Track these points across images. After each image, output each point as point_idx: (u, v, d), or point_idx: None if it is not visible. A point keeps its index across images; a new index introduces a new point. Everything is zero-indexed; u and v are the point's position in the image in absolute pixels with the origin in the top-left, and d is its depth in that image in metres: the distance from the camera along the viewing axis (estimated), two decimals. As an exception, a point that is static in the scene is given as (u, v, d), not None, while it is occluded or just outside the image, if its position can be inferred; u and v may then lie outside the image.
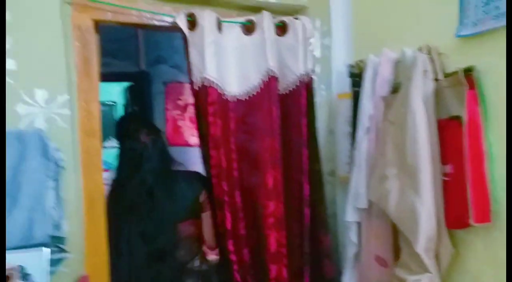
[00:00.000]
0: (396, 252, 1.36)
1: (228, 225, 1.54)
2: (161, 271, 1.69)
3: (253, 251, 1.59)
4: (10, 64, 1.25)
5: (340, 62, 1.78)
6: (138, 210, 1.70)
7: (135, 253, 1.68)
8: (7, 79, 1.24)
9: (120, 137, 1.88)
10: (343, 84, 1.73)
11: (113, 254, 1.53)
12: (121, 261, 1.63)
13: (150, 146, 1.78)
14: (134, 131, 1.81)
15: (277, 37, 1.64)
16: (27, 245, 1.13)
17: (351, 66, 1.67)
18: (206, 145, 1.54)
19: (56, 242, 1.19)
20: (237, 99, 1.61)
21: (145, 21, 1.55)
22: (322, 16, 1.81)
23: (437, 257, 1.25)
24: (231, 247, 1.55)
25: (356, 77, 1.63)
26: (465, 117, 1.17)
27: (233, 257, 1.56)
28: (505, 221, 1.12)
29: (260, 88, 1.60)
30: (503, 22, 1.11)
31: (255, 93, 1.61)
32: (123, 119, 2.13)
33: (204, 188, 1.73)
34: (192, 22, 1.52)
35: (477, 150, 1.16)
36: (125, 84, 3.27)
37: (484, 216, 1.13)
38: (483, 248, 1.20)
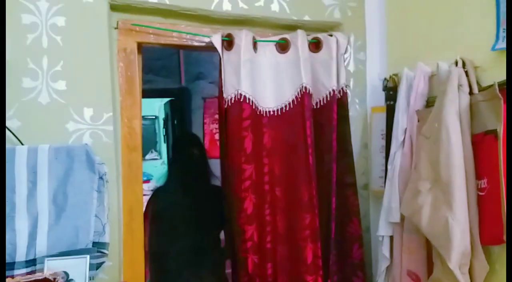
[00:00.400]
0: (429, 267, 1.34)
1: (256, 238, 1.57)
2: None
3: (279, 265, 1.60)
4: (61, 85, 1.36)
5: (375, 76, 1.79)
6: (182, 212, 2.01)
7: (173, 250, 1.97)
8: (59, 99, 1.36)
9: (174, 150, 2.31)
10: (377, 98, 1.74)
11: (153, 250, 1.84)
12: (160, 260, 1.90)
13: (196, 160, 2.15)
14: (187, 147, 2.21)
15: (311, 53, 1.67)
16: (73, 250, 1.22)
17: (386, 80, 1.68)
18: (239, 158, 1.58)
19: (98, 248, 1.28)
20: (271, 114, 1.64)
21: (185, 42, 1.64)
22: (356, 32, 1.83)
23: (471, 273, 1.22)
24: (256, 260, 1.57)
25: (391, 91, 1.63)
26: (501, 131, 1.15)
27: (256, 271, 1.57)
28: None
29: (294, 104, 1.63)
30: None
31: (288, 109, 1.64)
32: (180, 137, 2.82)
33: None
34: (229, 42, 1.58)
35: (502, 165, 1.13)
36: (166, 99, 3.40)
37: (503, 232, 1.10)
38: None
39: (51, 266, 1.17)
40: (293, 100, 1.64)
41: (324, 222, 1.63)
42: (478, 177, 1.22)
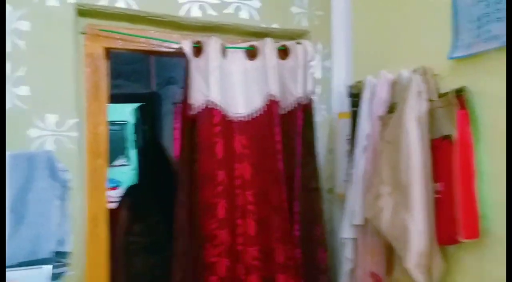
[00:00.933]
0: (390, 268, 1.38)
1: (227, 242, 1.58)
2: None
3: (250, 266, 1.61)
4: (23, 90, 1.34)
5: (341, 83, 1.84)
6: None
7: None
8: (21, 104, 1.34)
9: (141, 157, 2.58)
10: (343, 104, 1.79)
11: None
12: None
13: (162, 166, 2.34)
14: (154, 154, 2.47)
15: (279, 61, 1.70)
16: (33, 260, 1.19)
17: (351, 87, 1.73)
18: (211, 164, 1.58)
19: (60, 257, 1.26)
20: (241, 121, 1.66)
21: (153, 48, 1.64)
22: (323, 40, 1.88)
23: (429, 272, 1.26)
24: (228, 263, 1.58)
25: (355, 97, 1.68)
26: (455, 136, 1.21)
27: (229, 274, 1.58)
28: (495, 238, 1.15)
29: (263, 111, 1.66)
30: (494, 44, 1.14)
31: (258, 116, 1.67)
32: (145, 145, 3.01)
33: None
34: (198, 49, 1.60)
35: (467, 169, 1.19)
36: (137, 104, 3.38)
37: (473, 232, 1.16)
38: (473, 264, 1.23)
39: (10, 277, 1.14)
40: (262, 107, 1.66)
41: (291, 226, 1.66)
42: (436, 180, 1.27)
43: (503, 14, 1.12)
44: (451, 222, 1.18)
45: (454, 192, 1.18)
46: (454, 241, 1.18)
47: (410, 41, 1.51)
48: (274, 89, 1.64)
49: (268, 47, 1.66)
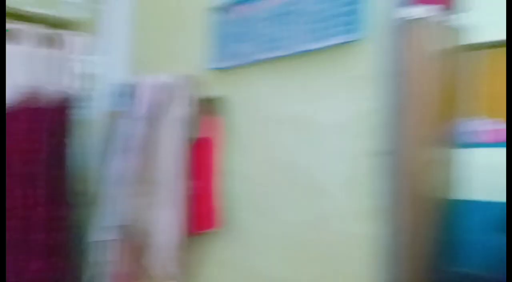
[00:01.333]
0: (146, 266, 1.43)
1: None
2: None
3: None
4: None
5: (112, 82, 1.78)
6: None
7: None
8: None
9: None
10: (113, 103, 1.74)
11: None
12: None
13: None
14: None
15: (42, 50, 1.56)
16: None
17: (120, 86, 1.70)
18: None
19: None
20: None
21: None
22: (97, 34, 1.79)
23: (180, 265, 1.35)
24: None
25: (124, 97, 1.66)
26: (201, 139, 1.35)
27: None
28: (238, 227, 1.30)
29: (16, 105, 1.49)
30: (238, 61, 1.31)
31: (11, 110, 1.48)
32: None
33: None
34: None
35: (210, 168, 1.34)
36: None
37: (211, 223, 1.31)
38: (218, 252, 1.36)
39: None
40: (14, 101, 1.48)
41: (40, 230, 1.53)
42: (191, 177, 1.37)
43: (243, 35, 1.29)
44: (196, 215, 1.30)
45: (205, 189, 1.31)
46: (198, 233, 1.31)
47: (178, 49, 1.58)
48: (30, 81, 1.48)
49: (26, 32, 1.50)
